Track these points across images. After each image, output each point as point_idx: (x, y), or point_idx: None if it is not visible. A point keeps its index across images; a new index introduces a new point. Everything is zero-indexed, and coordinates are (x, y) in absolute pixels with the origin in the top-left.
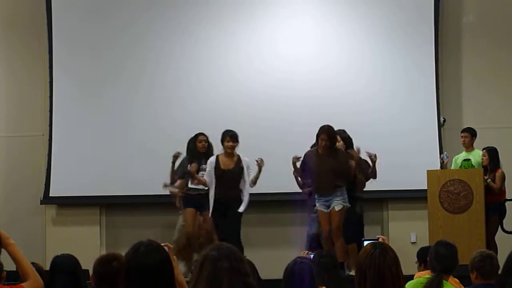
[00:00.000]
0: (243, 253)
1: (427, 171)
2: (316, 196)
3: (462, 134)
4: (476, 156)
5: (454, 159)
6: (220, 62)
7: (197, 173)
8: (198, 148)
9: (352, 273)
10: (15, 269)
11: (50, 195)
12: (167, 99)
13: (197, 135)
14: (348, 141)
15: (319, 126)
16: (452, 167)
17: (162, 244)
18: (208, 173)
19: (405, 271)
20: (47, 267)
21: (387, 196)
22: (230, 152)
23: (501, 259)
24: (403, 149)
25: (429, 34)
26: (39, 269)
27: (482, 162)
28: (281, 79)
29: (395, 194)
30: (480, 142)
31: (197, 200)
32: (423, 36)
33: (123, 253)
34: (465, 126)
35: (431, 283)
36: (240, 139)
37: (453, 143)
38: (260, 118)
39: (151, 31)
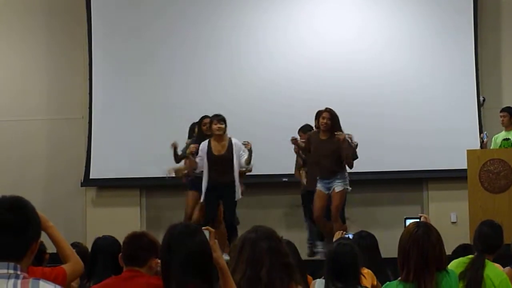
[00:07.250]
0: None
1: (467, 150)
2: (318, 178)
3: (501, 114)
4: None
5: (493, 138)
6: (259, 46)
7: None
8: (203, 131)
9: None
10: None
11: (90, 177)
12: (205, 81)
13: (202, 118)
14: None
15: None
16: (492, 147)
17: (203, 228)
18: (199, 159)
19: (446, 251)
20: (88, 249)
21: (427, 176)
22: (219, 134)
23: None
24: (443, 129)
25: (468, 13)
26: (82, 250)
27: None
28: (321, 60)
29: (435, 174)
30: None
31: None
32: (462, 15)
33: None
34: (504, 106)
35: (473, 264)
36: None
37: (493, 122)
38: (300, 99)
39: (189, 13)
